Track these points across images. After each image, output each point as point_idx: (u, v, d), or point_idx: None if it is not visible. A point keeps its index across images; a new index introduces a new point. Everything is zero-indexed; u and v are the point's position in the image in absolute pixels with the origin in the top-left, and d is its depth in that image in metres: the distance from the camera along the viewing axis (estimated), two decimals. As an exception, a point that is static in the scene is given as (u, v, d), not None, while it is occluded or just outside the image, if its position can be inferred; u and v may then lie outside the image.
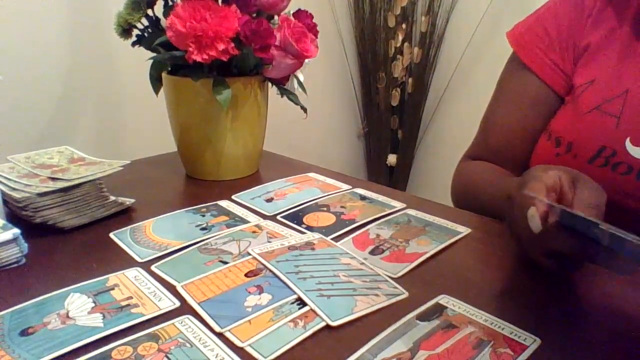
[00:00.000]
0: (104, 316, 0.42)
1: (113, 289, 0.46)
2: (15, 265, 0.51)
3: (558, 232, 0.42)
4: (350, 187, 0.72)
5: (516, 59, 0.70)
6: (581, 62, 0.64)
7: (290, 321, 0.42)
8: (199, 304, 0.44)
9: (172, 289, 0.47)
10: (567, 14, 0.66)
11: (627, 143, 0.57)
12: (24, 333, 0.40)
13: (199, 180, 0.76)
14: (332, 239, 0.56)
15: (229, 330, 0.41)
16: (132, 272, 0.49)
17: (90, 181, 0.59)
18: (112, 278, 0.48)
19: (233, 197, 0.68)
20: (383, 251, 0.54)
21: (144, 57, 0.71)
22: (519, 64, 0.69)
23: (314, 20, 0.72)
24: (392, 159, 1.84)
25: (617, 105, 0.59)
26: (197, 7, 0.62)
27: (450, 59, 1.73)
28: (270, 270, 0.49)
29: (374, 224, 0.60)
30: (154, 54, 0.71)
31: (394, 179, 1.88)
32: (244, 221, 0.61)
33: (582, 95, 0.62)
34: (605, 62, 0.62)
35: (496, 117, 0.73)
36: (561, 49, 0.66)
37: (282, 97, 0.75)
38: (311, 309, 0.43)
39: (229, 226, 0.59)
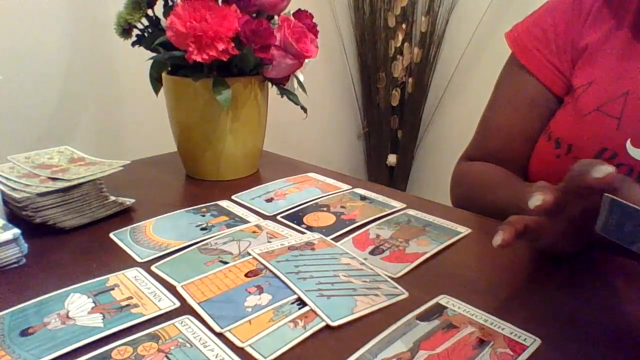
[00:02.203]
0: (104, 316, 0.42)
1: (113, 289, 0.46)
2: (15, 265, 0.51)
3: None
4: (350, 187, 0.72)
5: (514, 60, 0.70)
6: (580, 63, 0.64)
7: (290, 321, 0.42)
8: (199, 304, 0.44)
9: (172, 289, 0.47)
10: (565, 14, 0.66)
11: (628, 144, 0.57)
12: (24, 333, 0.40)
13: (199, 180, 0.76)
14: (332, 239, 0.56)
15: (229, 331, 0.41)
16: (132, 272, 0.49)
17: (90, 181, 0.59)
18: (112, 278, 0.48)
19: (233, 197, 0.68)
20: (383, 251, 0.54)
21: (144, 57, 0.71)
22: (517, 65, 0.69)
23: (314, 20, 0.72)
24: (392, 159, 1.84)
25: (617, 107, 0.59)
26: (197, 7, 0.62)
27: (450, 59, 1.73)
28: (270, 271, 0.49)
29: (374, 224, 0.60)
30: (154, 54, 0.71)
31: (394, 179, 1.88)
32: (244, 221, 0.61)
33: (582, 96, 0.62)
34: (604, 63, 0.62)
35: (494, 119, 0.73)
36: (559, 50, 0.66)
37: (282, 97, 0.75)
38: (311, 309, 0.43)
39: (229, 226, 0.59)
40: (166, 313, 0.43)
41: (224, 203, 0.66)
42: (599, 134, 0.59)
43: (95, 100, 1.19)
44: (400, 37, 1.67)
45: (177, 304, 0.44)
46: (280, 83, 0.75)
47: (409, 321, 0.42)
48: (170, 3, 0.71)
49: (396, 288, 0.47)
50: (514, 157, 0.71)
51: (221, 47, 0.62)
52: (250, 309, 0.43)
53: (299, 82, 0.76)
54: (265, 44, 0.66)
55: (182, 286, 0.47)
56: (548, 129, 0.66)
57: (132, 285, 0.47)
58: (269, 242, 0.55)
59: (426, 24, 1.67)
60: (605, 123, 0.59)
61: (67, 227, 0.57)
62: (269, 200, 0.67)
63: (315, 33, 0.71)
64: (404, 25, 1.66)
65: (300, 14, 0.71)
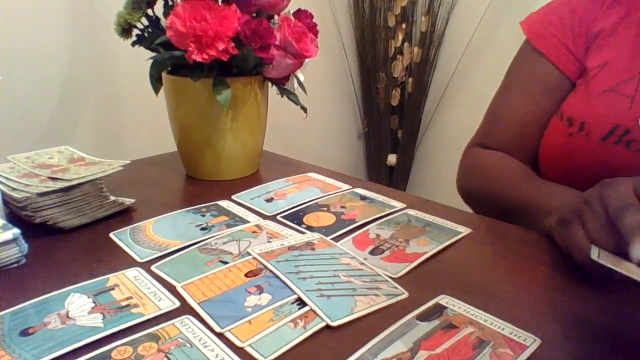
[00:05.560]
0: (104, 316, 0.42)
1: (113, 289, 0.46)
2: (15, 265, 0.51)
3: None
4: (350, 187, 0.72)
5: (528, 47, 0.71)
6: (594, 47, 0.66)
7: (290, 321, 0.42)
8: (199, 304, 0.44)
9: (172, 289, 0.47)
10: (581, 2, 0.67)
11: None
12: (24, 333, 0.40)
13: (199, 180, 0.76)
14: (332, 239, 0.56)
15: (229, 331, 0.41)
16: (132, 272, 0.49)
17: (90, 181, 0.59)
18: (112, 278, 0.48)
19: (233, 197, 0.68)
20: (383, 251, 0.54)
21: (144, 57, 0.71)
22: (531, 51, 0.70)
23: (314, 20, 0.72)
24: (392, 159, 1.84)
25: (631, 87, 0.60)
26: (197, 7, 0.62)
27: (450, 59, 1.73)
28: (270, 271, 0.49)
29: (374, 224, 0.60)
30: (154, 54, 0.71)
31: (394, 179, 1.88)
32: (244, 221, 0.61)
33: (595, 77, 0.63)
34: (618, 46, 0.63)
35: (507, 104, 0.73)
36: (573, 35, 0.67)
37: (282, 97, 0.75)
38: (311, 309, 0.43)
39: (229, 226, 0.59)
40: (166, 313, 0.43)
41: (224, 203, 0.66)
42: (612, 111, 0.60)
43: (95, 100, 1.19)
44: (400, 37, 1.66)
45: (177, 304, 0.44)
46: (280, 83, 0.75)
47: (409, 321, 0.42)
48: (170, 3, 0.71)
49: (396, 288, 0.47)
50: (527, 141, 0.71)
51: (221, 46, 0.62)
52: (250, 309, 0.43)
53: (299, 82, 0.76)
54: (265, 44, 0.66)
55: (182, 286, 0.47)
56: (560, 110, 0.67)
57: (132, 285, 0.47)
58: (269, 242, 0.55)
59: (426, 24, 1.67)
60: (619, 102, 0.60)
61: (67, 227, 0.57)
62: (269, 200, 0.67)
63: (315, 33, 0.71)
64: (404, 25, 1.66)
65: (300, 13, 0.71)
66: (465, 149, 0.78)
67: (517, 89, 0.72)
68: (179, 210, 0.63)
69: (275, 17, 0.72)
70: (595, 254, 0.43)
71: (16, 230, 0.50)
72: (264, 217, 0.62)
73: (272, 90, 0.76)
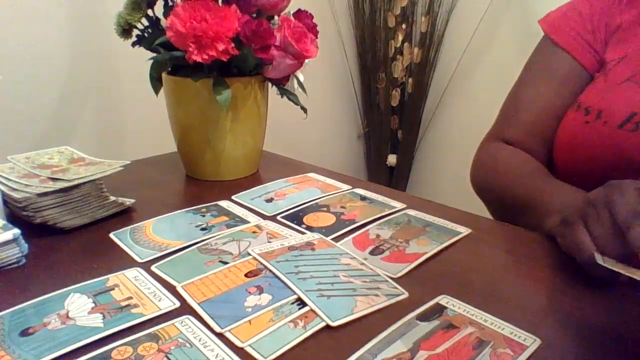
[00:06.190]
0: (104, 316, 0.42)
1: (113, 289, 0.46)
2: (15, 265, 0.51)
3: None
4: (350, 187, 0.72)
5: (546, 42, 0.72)
6: (613, 40, 0.66)
7: (290, 321, 0.42)
8: (199, 304, 0.44)
9: (172, 289, 0.47)
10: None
11: None
12: (24, 333, 0.40)
13: (199, 180, 0.76)
14: (332, 239, 0.56)
15: (229, 331, 0.41)
16: (132, 272, 0.49)
17: (90, 181, 0.59)
18: (112, 278, 0.48)
19: (233, 197, 0.68)
20: (383, 251, 0.54)
21: (144, 57, 0.71)
22: (550, 45, 0.71)
23: (314, 21, 0.72)
24: (392, 159, 1.84)
25: None
26: (197, 7, 0.62)
27: (450, 59, 1.73)
28: (270, 271, 0.49)
29: (374, 224, 0.60)
30: (154, 54, 0.71)
31: (394, 179, 1.88)
32: (244, 221, 0.61)
33: (614, 69, 0.64)
34: (637, 39, 0.64)
35: (527, 95, 0.73)
36: (593, 28, 0.68)
37: (282, 97, 0.75)
38: (311, 309, 0.43)
39: (229, 226, 0.59)
40: (166, 313, 0.43)
41: (224, 203, 0.66)
42: (630, 100, 0.60)
43: (95, 100, 1.19)
44: (400, 37, 1.66)
45: (177, 304, 0.44)
46: (280, 83, 0.75)
47: (409, 321, 0.42)
48: (170, 3, 0.71)
49: (396, 288, 0.47)
50: (545, 132, 0.71)
51: (221, 47, 0.62)
52: (250, 309, 0.43)
53: (299, 82, 0.76)
54: (265, 44, 0.66)
55: (182, 286, 0.47)
56: (577, 101, 0.67)
57: (132, 285, 0.47)
58: (269, 242, 0.55)
59: (426, 24, 1.67)
60: (636, 91, 0.60)
61: (67, 227, 0.57)
62: (269, 200, 0.67)
63: (315, 33, 0.71)
64: (404, 25, 1.66)
65: (300, 14, 0.71)
66: (481, 142, 0.78)
67: (535, 80, 0.73)
68: (179, 211, 0.64)
69: (275, 17, 0.72)
70: (599, 258, 0.43)
71: (16, 231, 0.50)
72: (264, 217, 0.62)
73: (272, 90, 0.76)
